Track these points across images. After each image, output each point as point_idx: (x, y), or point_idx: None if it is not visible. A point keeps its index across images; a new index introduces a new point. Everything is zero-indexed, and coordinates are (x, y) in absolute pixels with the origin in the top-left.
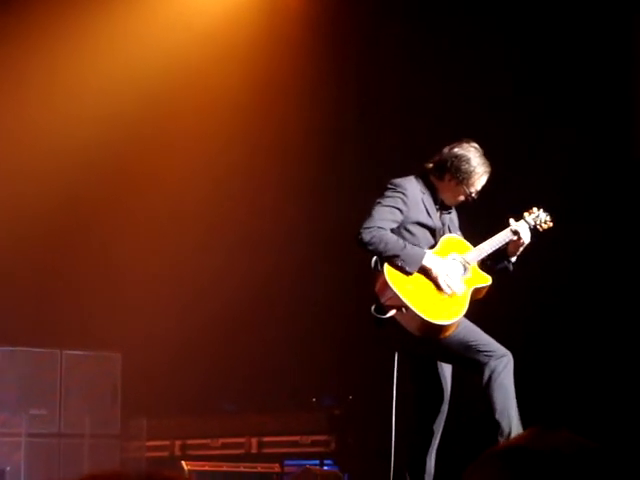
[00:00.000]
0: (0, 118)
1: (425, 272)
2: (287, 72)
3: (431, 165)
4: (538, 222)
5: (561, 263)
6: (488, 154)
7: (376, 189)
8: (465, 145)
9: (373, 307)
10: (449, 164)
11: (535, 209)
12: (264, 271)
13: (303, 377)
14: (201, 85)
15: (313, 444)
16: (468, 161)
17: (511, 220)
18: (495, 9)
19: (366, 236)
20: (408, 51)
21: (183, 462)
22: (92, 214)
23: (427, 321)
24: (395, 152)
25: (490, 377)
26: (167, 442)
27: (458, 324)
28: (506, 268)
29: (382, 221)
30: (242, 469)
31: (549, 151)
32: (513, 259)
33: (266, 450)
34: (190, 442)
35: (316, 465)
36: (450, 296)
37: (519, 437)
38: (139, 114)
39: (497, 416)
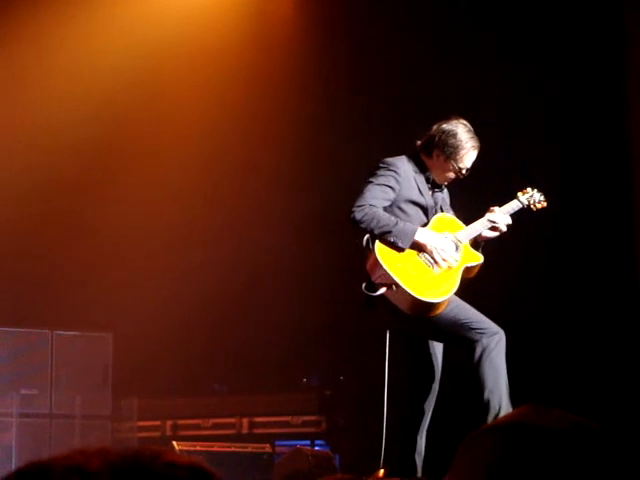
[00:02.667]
0: None
1: (418, 248)
2: (276, 66)
3: (420, 142)
4: (532, 202)
5: (552, 244)
6: (484, 139)
7: (363, 174)
8: (453, 121)
9: (364, 285)
10: (437, 139)
11: (529, 189)
12: (254, 252)
13: (294, 357)
14: (191, 72)
15: (304, 424)
16: (455, 135)
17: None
18: (487, 7)
19: (358, 214)
20: (399, 48)
21: (174, 442)
22: (83, 195)
23: (417, 298)
24: (384, 144)
25: (482, 355)
26: (158, 422)
27: (449, 302)
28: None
29: (374, 199)
30: (233, 449)
31: (544, 136)
32: (482, 244)
33: (257, 430)
34: (181, 422)
35: (307, 445)
36: (445, 270)
37: (515, 413)
38: (128, 100)
39: (487, 394)
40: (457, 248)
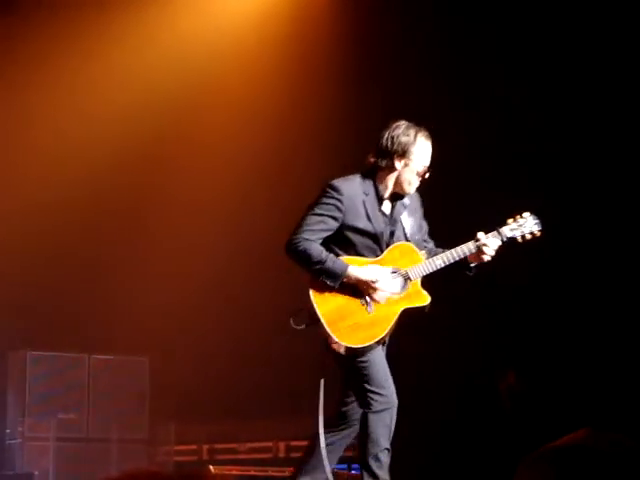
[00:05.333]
0: (27, 121)
1: (349, 286)
2: (309, 76)
3: (373, 158)
4: (521, 233)
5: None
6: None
7: None
8: (392, 125)
9: (292, 319)
10: (390, 146)
11: (526, 214)
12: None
13: (332, 381)
14: (221, 83)
15: None
16: (404, 132)
17: (479, 234)
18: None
19: (290, 246)
20: (434, 52)
21: (211, 466)
22: (121, 222)
23: (336, 341)
24: None
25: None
26: (195, 446)
27: (375, 354)
28: (464, 274)
29: (309, 232)
30: (270, 473)
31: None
32: (473, 264)
33: (294, 454)
34: (218, 446)
35: (344, 469)
36: (381, 310)
37: (572, 436)
38: (162, 113)
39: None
40: (405, 285)
